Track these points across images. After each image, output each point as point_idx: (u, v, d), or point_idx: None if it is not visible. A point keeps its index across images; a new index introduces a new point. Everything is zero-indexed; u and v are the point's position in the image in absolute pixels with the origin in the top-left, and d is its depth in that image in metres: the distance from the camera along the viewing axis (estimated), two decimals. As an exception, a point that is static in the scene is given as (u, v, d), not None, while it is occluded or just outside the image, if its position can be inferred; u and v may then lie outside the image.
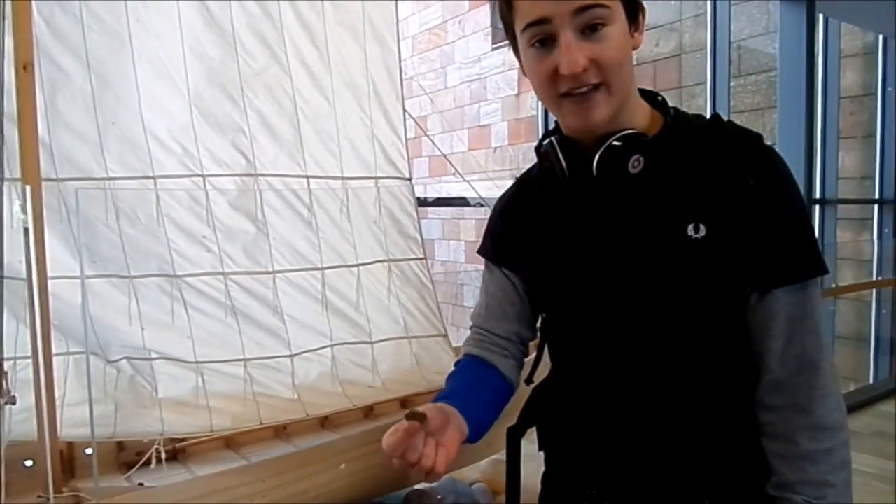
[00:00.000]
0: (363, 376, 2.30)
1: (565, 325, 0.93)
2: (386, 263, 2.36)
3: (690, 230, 0.77)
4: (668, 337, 0.82)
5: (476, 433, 0.87)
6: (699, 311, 0.80)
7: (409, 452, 0.74)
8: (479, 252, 1.03)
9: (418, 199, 2.50)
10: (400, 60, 2.37)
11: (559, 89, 0.78)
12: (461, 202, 4.26)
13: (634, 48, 0.81)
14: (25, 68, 1.67)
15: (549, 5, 0.74)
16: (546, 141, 0.88)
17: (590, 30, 0.75)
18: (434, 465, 0.75)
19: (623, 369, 0.85)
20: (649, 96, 0.89)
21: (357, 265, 2.30)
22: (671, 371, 0.82)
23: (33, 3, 1.72)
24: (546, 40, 0.77)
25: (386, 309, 2.35)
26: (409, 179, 2.41)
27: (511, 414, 1.02)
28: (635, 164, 0.80)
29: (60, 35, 1.83)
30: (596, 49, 0.75)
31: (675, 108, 0.86)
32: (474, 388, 0.95)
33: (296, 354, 2.18)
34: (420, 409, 0.76)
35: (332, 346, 2.25)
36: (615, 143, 0.80)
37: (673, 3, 4.44)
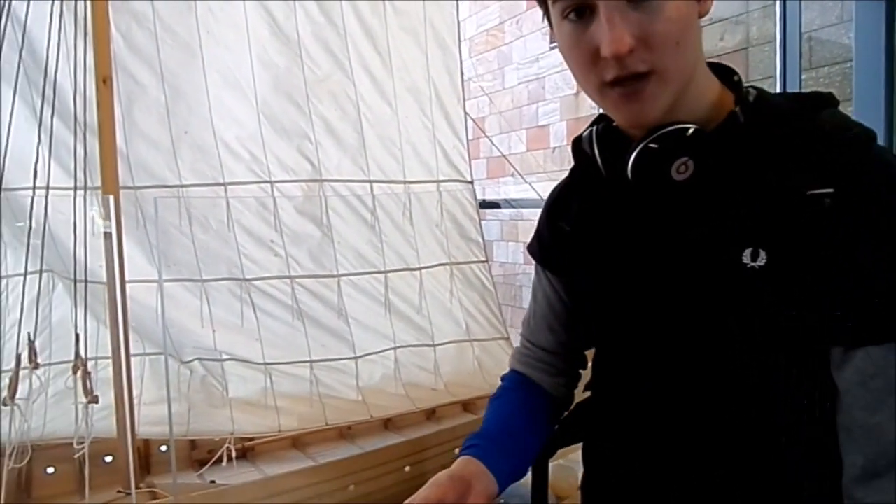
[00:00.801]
0: (426, 379, 2.31)
1: (602, 346, 0.81)
2: (448, 267, 2.37)
3: (746, 257, 0.61)
4: (712, 381, 0.66)
5: (511, 477, 0.79)
6: (752, 358, 0.63)
7: None
8: (529, 249, 0.90)
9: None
10: (461, 63, 2.37)
11: (603, 76, 0.61)
12: (492, 205, 4.21)
13: (702, 15, 0.62)
14: (105, 82, 1.75)
15: None
16: (586, 132, 0.73)
17: None
18: None
19: (663, 408, 0.71)
20: (724, 73, 0.70)
21: (419, 268, 2.31)
22: (716, 421, 0.67)
23: (111, 18, 1.80)
24: (583, 10, 0.60)
25: (448, 312, 2.36)
26: (471, 182, 2.41)
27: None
28: (682, 168, 0.63)
29: (136, 49, 1.91)
30: (647, 22, 0.57)
31: (758, 91, 0.67)
32: (514, 422, 0.85)
33: (360, 357, 2.21)
34: (428, 500, 0.69)
35: (395, 348, 2.27)
36: (652, 144, 0.63)
37: (739, -6, 4.30)
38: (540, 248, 0.87)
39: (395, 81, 2.23)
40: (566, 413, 0.90)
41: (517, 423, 0.84)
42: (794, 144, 0.62)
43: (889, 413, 0.57)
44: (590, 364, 0.91)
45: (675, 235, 0.67)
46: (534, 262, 0.90)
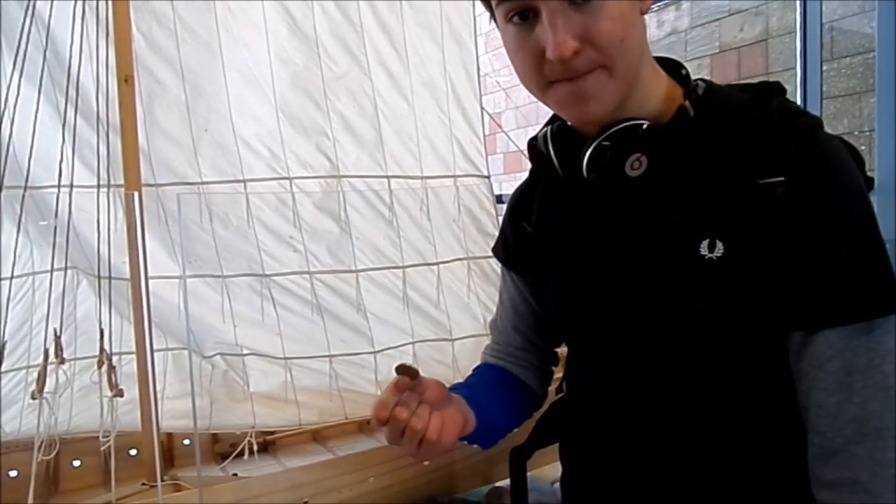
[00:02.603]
0: (444, 373, 2.32)
1: (573, 345, 0.81)
2: (465, 261, 2.37)
3: (704, 248, 0.62)
4: (677, 376, 0.67)
5: (487, 432, 0.77)
6: (714, 348, 0.64)
7: (398, 410, 0.64)
8: (493, 251, 0.92)
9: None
10: (477, 58, 2.37)
11: (547, 76, 0.62)
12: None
13: (643, 12, 0.64)
14: (127, 81, 1.77)
15: None
16: (541, 132, 0.74)
17: None
18: (426, 427, 0.65)
19: (631, 402, 0.72)
20: (673, 67, 0.71)
21: (437, 263, 2.31)
22: (683, 415, 0.68)
23: (132, 17, 1.82)
24: (526, 13, 0.61)
25: (466, 306, 2.36)
26: (488, 177, 2.41)
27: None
28: (635, 164, 0.64)
29: (157, 48, 1.93)
30: (590, 23, 0.58)
31: (707, 84, 0.68)
32: (488, 386, 0.84)
33: (378, 351, 2.22)
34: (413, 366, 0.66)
35: (413, 343, 2.28)
36: (605, 142, 0.64)
37: (758, -15, 4.24)
38: (504, 249, 0.89)
39: (411, 77, 2.24)
40: (541, 414, 0.91)
41: (491, 389, 0.84)
42: (743, 135, 0.63)
43: (846, 393, 0.59)
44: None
45: (632, 230, 0.68)
46: (501, 265, 0.92)
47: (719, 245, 0.61)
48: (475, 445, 0.83)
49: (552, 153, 0.72)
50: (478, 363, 0.95)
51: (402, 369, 0.66)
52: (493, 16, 0.69)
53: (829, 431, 0.60)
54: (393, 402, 0.65)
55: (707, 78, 0.70)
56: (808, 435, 0.63)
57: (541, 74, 0.63)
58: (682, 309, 0.65)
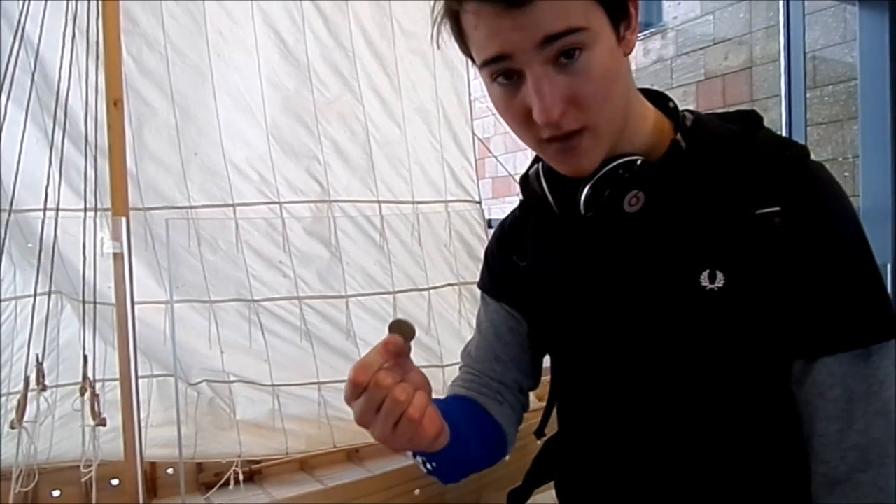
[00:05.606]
0: None
1: (569, 378, 0.79)
2: (456, 287, 2.36)
3: (704, 279, 0.62)
4: (680, 408, 0.67)
5: (458, 455, 0.71)
6: (717, 380, 0.64)
7: (381, 375, 0.57)
8: (479, 285, 0.89)
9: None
10: (469, 84, 2.39)
11: (540, 135, 0.62)
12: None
13: (626, 54, 0.63)
14: (116, 104, 1.76)
15: (508, 39, 0.57)
16: (532, 169, 0.73)
17: (565, 57, 0.57)
18: (409, 400, 0.57)
19: (632, 438, 0.71)
20: (659, 99, 0.71)
21: (428, 289, 2.30)
22: (685, 446, 0.67)
23: (122, 41, 1.81)
24: (511, 73, 0.60)
25: (457, 332, 2.34)
26: (479, 202, 2.41)
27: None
28: (633, 201, 0.64)
29: (147, 72, 1.93)
30: (575, 85, 0.58)
31: (694, 116, 0.69)
32: (459, 412, 0.77)
33: (368, 378, 2.19)
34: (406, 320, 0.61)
35: (403, 369, 2.26)
36: (604, 178, 0.64)
37: (742, 15, 4.33)
38: (493, 282, 0.85)
39: (403, 102, 2.25)
40: (537, 452, 0.86)
41: (460, 415, 0.75)
42: (736, 166, 0.63)
43: (847, 421, 0.59)
44: (539, 403, 0.88)
45: (633, 265, 0.67)
46: (482, 293, 0.88)
47: (720, 276, 0.62)
48: (433, 476, 0.76)
49: (546, 190, 0.70)
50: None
51: (396, 325, 0.58)
52: (475, 65, 0.67)
53: (832, 460, 0.60)
54: (377, 366, 0.57)
55: (692, 108, 0.70)
56: (812, 464, 0.62)
57: (532, 132, 0.62)
58: (684, 341, 0.65)
